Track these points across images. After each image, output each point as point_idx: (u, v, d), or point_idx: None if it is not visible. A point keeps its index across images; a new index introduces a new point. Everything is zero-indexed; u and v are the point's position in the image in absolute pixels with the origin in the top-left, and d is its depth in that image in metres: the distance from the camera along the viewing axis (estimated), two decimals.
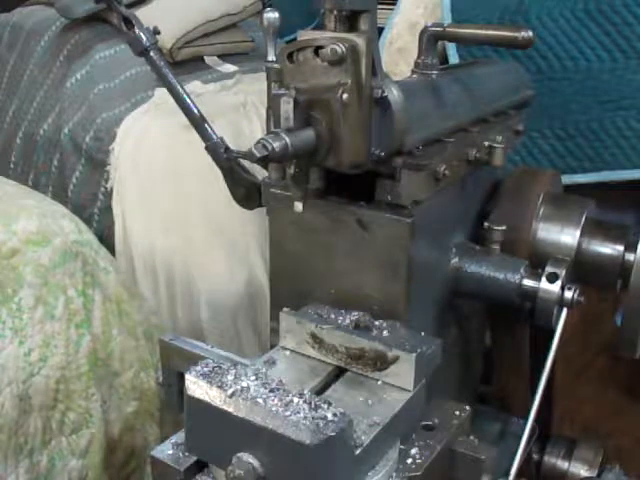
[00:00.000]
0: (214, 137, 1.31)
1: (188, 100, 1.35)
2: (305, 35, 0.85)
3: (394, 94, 0.86)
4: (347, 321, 0.90)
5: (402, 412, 0.81)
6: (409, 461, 0.80)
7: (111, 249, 1.56)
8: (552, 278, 1.02)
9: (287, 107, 0.82)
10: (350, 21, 0.84)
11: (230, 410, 0.70)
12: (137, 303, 1.43)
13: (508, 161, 1.24)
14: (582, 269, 1.12)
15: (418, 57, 1.07)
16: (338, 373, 0.88)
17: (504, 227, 1.06)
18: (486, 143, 1.05)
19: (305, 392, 0.71)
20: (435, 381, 0.90)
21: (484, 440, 0.90)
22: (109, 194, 1.68)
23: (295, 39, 0.86)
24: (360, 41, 0.82)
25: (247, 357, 0.99)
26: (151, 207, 1.63)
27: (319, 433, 0.66)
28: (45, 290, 1.25)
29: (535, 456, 1.32)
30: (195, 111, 1.34)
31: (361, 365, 0.87)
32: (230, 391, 0.71)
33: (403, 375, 0.84)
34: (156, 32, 1.38)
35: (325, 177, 0.96)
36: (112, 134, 1.68)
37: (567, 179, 1.48)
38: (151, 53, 1.37)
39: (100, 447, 1.32)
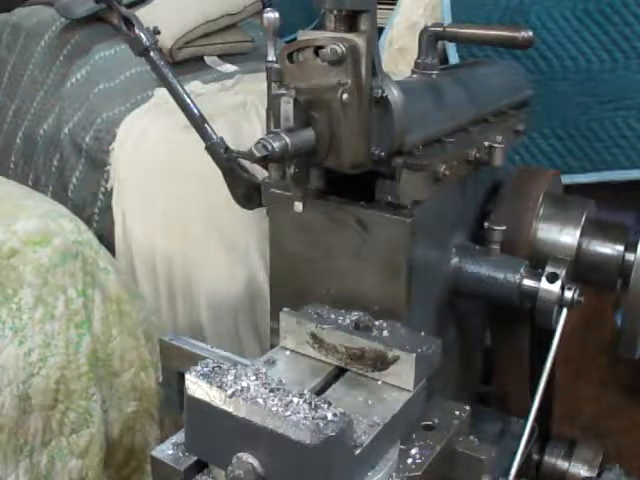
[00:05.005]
0: (214, 137, 1.30)
1: (188, 100, 1.35)
2: (305, 35, 0.86)
3: (394, 94, 0.86)
4: (347, 321, 0.90)
5: (402, 412, 0.81)
6: (409, 461, 0.80)
7: (111, 249, 1.56)
8: (552, 278, 1.02)
9: (287, 107, 0.82)
10: (350, 21, 0.84)
11: (230, 410, 0.70)
12: (137, 303, 1.43)
13: (508, 161, 1.24)
14: (582, 269, 1.12)
15: (418, 57, 1.07)
16: (338, 373, 0.88)
17: (504, 227, 1.06)
18: (486, 143, 1.05)
19: (305, 392, 0.71)
20: (435, 381, 0.90)
21: (484, 440, 0.90)
22: (109, 194, 1.68)
23: (295, 39, 0.86)
24: (360, 41, 0.82)
25: (247, 357, 0.99)
26: (151, 207, 1.63)
27: (319, 433, 0.66)
28: (45, 290, 1.25)
29: (535, 456, 1.32)
30: (195, 111, 1.34)
31: (361, 365, 0.87)
32: (230, 391, 0.71)
33: (403, 375, 0.84)
34: (156, 32, 1.38)
35: (325, 177, 0.96)
36: (112, 134, 1.68)
37: (567, 179, 1.48)
38: (151, 53, 1.36)
39: (100, 447, 1.32)
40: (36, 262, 1.24)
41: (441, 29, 1.06)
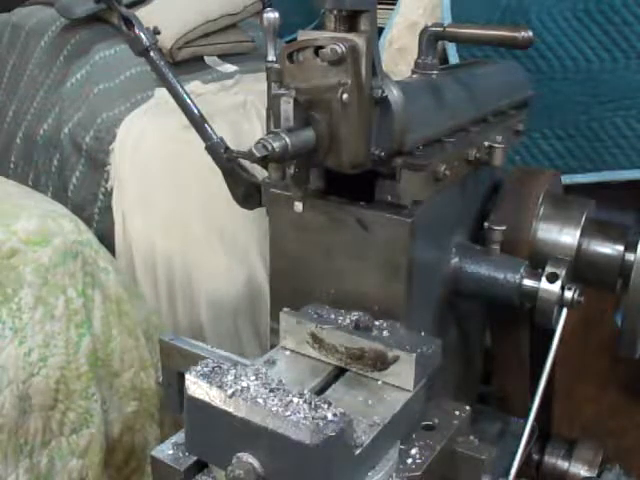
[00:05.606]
0: (214, 137, 1.31)
1: (188, 100, 1.35)
2: (305, 35, 0.86)
3: (394, 94, 0.86)
4: (347, 321, 0.90)
5: (402, 412, 0.81)
6: (409, 461, 0.80)
7: (111, 249, 1.56)
8: (552, 278, 1.02)
9: (287, 107, 0.82)
10: (350, 21, 0.84)
11: (230, 410, 0.70)
12: (137, 303, 1.43)
13: (508, 161, 1.24)
14: (582, 269, 1.12)
15: (418, 57, 1.07)
16: (338, 373, 0.88)
17: (504, 227, 1.06)
18: (486, 143, 1.05)
19: (305, 392, 0.71)
20: (435, 381, 0.90)
21: (484, 440, 0.90)
22: (109, 194, 1.68)
23: (295, 39, 0.86)
24: (360, 41, 0.82)
25: (247, 357, 0.98)
26: (151, 207, 1.63)
27: (319, 433, 0.66)
28: (45, 290, 1.25)
29: (535, 456, 1.32)
30: (195, 111, 1.34)
31: (361, 365, 0.86)
32: (230, 391, 0.71)
33: (403, 375, 0.84)
34: (156, 32, 1.38)
35: (325, 177, 0.96)
36: (112, 134, 1.68)
37: (567, 179, 1.48)
38: (151, 53, 1.37)
39: (100, 447, 1.32)
40: (36, 262, 1.24)
41: (441, 29, 1.06)
